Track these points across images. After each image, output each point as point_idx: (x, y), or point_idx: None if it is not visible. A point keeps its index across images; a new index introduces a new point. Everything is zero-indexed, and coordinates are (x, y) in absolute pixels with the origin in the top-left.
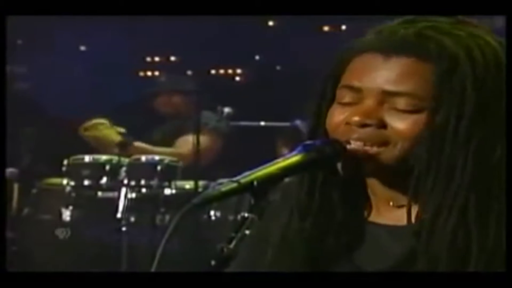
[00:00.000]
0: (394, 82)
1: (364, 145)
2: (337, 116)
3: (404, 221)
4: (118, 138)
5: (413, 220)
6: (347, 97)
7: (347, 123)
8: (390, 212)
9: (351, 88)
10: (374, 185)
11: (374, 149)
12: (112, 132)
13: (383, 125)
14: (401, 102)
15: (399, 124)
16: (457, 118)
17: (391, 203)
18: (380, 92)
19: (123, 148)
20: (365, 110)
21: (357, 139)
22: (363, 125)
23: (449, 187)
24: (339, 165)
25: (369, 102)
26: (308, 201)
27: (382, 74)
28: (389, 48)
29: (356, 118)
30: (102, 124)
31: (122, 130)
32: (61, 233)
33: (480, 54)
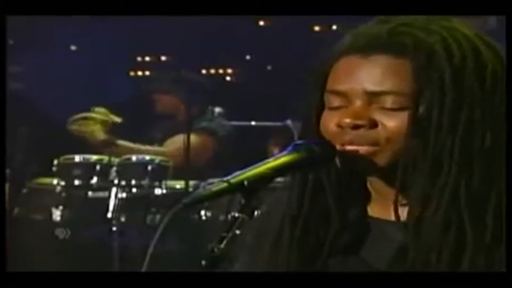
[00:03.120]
0: (376, 82)
1: (358, 145)
2: (329, 121)
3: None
4: (102, 136)
5: (401, 215)
6: (335, 101)
7: (339, 126)
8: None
9: (337, 92)
10: (373, 182)
11: (369, 149)
12: (97, 129)
13: (374, 124)
14: (387, 101)
15: (389, 122)
16: (438, 109)
17: (391, 200)
18: (365, 93)
19: (107, 146)
20: (355, 112)
21: (351, 141)
22: (355, 127)
23: (437, 177)
24: (337, 166)
25: (357, 104)
26: (298, 206)
27: (363, 75)
28: (366, 48)
29: (348, 120)
30: (91, 119)
31: (117, 119)
32: (61, 233)
33: (456, 45)
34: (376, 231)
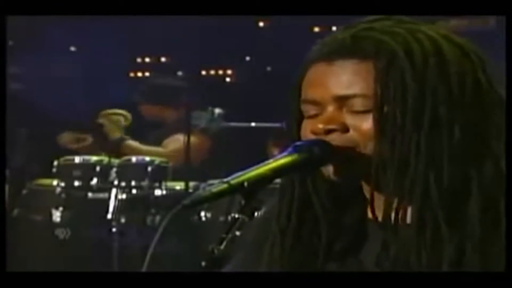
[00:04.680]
0: (343, 86)
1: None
2: (306, 129)
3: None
4: (117, 134)
5: (378, 215)
6: (311, 110)
7: (314, 133)
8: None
9: (311, 101)
10: (365, 186)
11: (347, 153)
12: (116, 128)
13: (346, 128)
14: (356, 104)
15: (360, 125)
16: (401, 109)
17: (382, 201)
18: (334, 98)
19: (117, 145)
20: (327, 117)
21: None
22: (328, 131)
23: (405, 176)
24: (330, 172)
25: (330, 109)
26: (287, 219)
27: (330, 81)
28: (331, 54)
29: (320, 126)
30: (116, 114)
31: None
32: (61, 233)
33: (418, 46)
34: (370, 232)
